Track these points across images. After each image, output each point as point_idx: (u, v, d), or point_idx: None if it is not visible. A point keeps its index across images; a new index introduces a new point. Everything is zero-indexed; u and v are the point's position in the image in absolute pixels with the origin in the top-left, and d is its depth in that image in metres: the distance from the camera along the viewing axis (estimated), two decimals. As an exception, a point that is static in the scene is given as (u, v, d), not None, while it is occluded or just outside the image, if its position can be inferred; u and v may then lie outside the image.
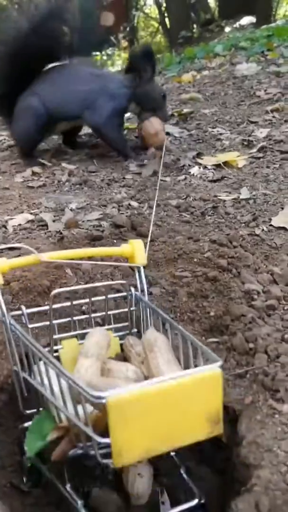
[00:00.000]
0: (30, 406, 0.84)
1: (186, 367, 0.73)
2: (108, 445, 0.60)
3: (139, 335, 0.92)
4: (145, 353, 0.78)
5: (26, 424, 0.84)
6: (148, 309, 0.88)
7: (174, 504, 0.76)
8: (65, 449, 0.75)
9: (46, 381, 0.73)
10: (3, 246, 0.93)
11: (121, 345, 0.89)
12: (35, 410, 0.84)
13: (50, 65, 2.07)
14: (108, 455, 0.61)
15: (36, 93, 1.97)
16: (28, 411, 0.85)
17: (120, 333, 0.93)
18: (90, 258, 1.11)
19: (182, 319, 0.98)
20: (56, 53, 2.04)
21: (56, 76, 2.04)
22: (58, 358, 0.86)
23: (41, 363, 0.75)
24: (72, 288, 0.93)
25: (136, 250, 0.92)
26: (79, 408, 0.65)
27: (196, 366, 0.71)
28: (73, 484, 0.78)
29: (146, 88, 1.97)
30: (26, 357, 0.80)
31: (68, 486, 0.78)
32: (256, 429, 0.75)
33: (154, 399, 0.60)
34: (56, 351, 0.87)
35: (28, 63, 1.95)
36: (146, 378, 0.77)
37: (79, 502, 0.75)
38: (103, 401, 0.58)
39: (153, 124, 1.96)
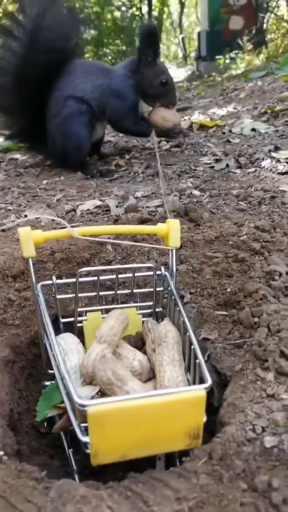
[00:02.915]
0: (52, 366, 0.90)
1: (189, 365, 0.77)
2: None
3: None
4: (155, 345, 0.81)
5: (47, 383, 0.93)
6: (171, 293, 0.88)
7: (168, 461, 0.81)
8: (64, 425, 0.83)
9: (58, 358, 0.77)
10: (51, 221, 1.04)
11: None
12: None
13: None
14: None
15: (70, 96, 1.90)
16: (50, 371, 0.93)
17: (146, 311, 0.95)
18: (119, 236, 1.18)
19: (202, 294, 1.03)
20: (67, 56, 1.98)
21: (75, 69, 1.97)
22: (82, 328, 0.92)
23: (60, 337, 0.81)
24: (97, 268, 0.94)
25: (171, 230, 0.87)
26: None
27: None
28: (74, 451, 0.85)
29: (144, 74, 1.88)
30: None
31: (71, 451, 0.86)
32: (237, 392, 0.79)
33: (133, 413, 0.63)
34: (81, 322, 0.92)
35: (39, 81, 1.89)
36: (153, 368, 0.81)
37: (75, 468, 0.83)
38: (85, 408, 0.62)
39: (157, 112, 1.95)
